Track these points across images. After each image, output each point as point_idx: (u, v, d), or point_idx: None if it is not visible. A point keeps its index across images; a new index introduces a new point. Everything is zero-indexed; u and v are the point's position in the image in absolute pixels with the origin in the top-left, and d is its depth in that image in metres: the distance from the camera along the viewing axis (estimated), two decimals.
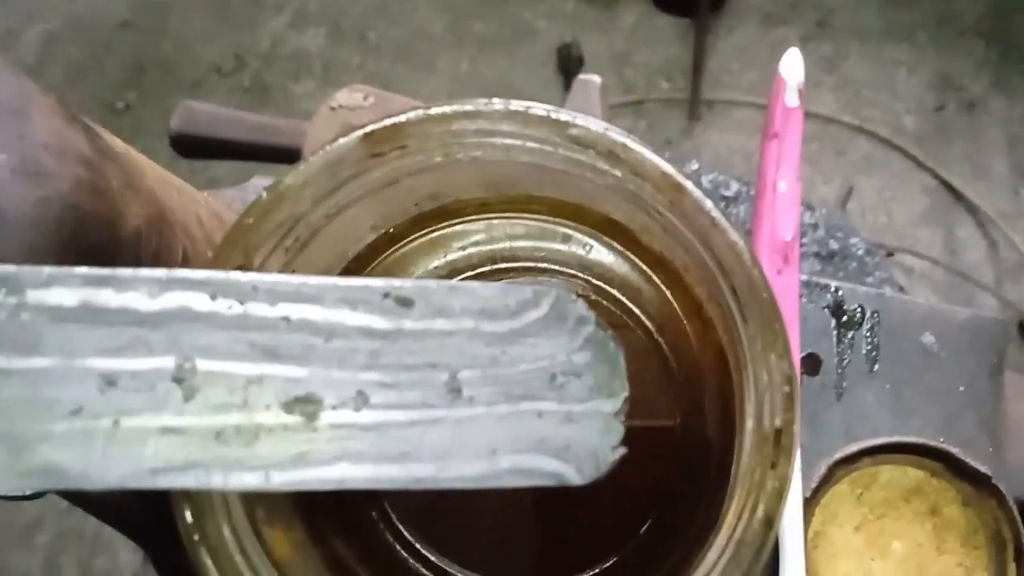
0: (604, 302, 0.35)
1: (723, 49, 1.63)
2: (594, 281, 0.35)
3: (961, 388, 0.47)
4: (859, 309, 0.48)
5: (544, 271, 0.35)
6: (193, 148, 0.72)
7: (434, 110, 0.25)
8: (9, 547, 1.33)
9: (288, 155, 0.72)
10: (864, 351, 0.47)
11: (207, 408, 0.21)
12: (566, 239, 0.34)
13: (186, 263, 0.34)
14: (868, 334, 0.47)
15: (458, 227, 0.31)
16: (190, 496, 0.25)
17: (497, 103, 0.25)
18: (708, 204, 0.24)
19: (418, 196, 0.28)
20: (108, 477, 0.21)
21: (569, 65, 1.62)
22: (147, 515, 0.44)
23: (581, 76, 0.76)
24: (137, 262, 0.30)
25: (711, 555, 0.24)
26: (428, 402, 0.23)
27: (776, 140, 0.46)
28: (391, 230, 0.30)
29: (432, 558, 0.32)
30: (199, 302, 0.21)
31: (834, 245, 0.82)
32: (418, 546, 0.32)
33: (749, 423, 0.24)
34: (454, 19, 1.70)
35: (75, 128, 0.28)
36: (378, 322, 0.22)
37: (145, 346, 0.21)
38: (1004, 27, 1.65)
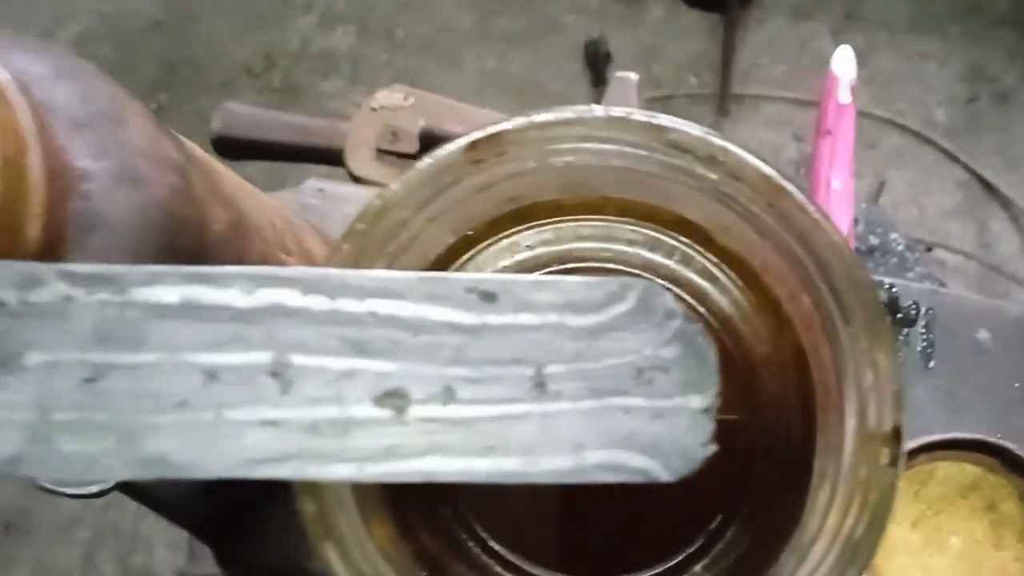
0: None
1: (752, 43, 1.62)
2: (658, 281, 0.35)
3: (1016, 384, 0.47)
4: (913, 306, 0.48)
5: (611, 271, 0.35)
6: (233, 149, 0.73)
7: (536, 118, 0.26)
8: (49, 543, 1.35)
9: (327, 156, 0.73)
10: (919, 348, 0.47)
11: (302, 401, 0.22)
12: (632, 241, 0.34)
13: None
14: (923, 331, 0.47)
15: (531, 231, 0.31)
16: (313, 490, 0.25)
17: (598, 110, 0.25)
18: (810, 206, 0.24)
19: (500, 199, 0.29)
20: (212, 467, 0.21)
21: (596, 60, 1.62)
22: (211, 512, 0.45)
23: (618, 73, 0.76)
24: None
25: (814, 553, 0.24)
26: (514, 397, 0.23)
27: (829, 137, 0.46)
28: (469, 232, 0.30)
29: (506, 555, 0.32)
30: (291, 298, 0.22)
31: (874, 240, 0.81)
32: (491, 543, 0.33)
33: (851, 422, 0.24)
34: (480, 15, 1.70)
35: (164, 134, 0.29)
36: (463, 317, 0.23)
37: (243, 341, 0.22)
38: None
